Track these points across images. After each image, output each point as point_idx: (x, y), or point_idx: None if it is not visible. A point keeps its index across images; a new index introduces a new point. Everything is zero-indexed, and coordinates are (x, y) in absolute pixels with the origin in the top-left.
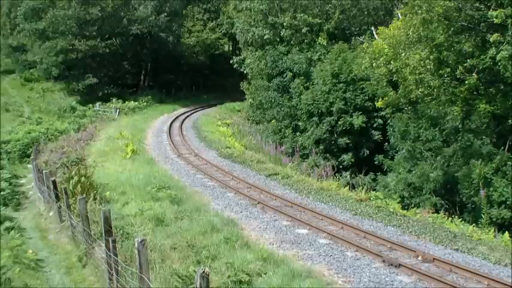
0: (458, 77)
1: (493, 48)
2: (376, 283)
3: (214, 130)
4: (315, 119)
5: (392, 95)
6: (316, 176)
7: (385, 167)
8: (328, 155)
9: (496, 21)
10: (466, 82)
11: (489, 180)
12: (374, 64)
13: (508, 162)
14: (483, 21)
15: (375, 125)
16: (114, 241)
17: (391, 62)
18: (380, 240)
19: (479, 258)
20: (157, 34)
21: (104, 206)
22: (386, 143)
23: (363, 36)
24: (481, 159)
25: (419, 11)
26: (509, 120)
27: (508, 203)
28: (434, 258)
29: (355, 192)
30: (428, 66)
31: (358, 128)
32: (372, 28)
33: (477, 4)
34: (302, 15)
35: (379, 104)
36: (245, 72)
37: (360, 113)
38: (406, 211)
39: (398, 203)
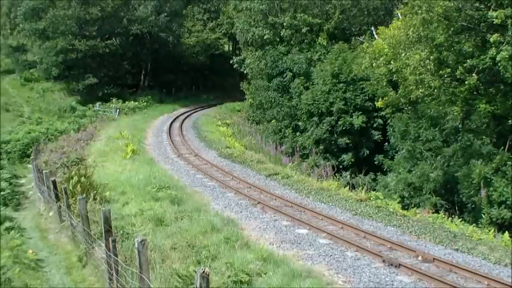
0: (458, 77)
1: (493, 48)
2: (376, 283)
3: (214, 130)
4: (315, 119)
5: (392, 95)
6: (316, 176)
7: (385, 167)
8: (328, 155)
9: (496, 21)
10: (466, 82)
11: (489, 180)
12: (374, 64)
13: (508, 162)
14: (483, 21)
15: (375, 125)
16: (114, 241)
17: (391, 62)
18: (380, 240)
19: (479, 258)
20: (157, 34)
21: (103, 206)
22: (386, 143)
23: (363, 36)
24: (481, 159)
25: (419, 11)
26: (509, 120)
27: (508, 203)
28: (434, 258)
29: (355, 192)
30: (428, 67)
31: (358, 128)
32: (372, 28)
33: (477, 4)
34: (302, 15)
35: (379, 104)
36: (245, 72)
37: (360, 113)
38: (406, 211)
39: (398, 203)
